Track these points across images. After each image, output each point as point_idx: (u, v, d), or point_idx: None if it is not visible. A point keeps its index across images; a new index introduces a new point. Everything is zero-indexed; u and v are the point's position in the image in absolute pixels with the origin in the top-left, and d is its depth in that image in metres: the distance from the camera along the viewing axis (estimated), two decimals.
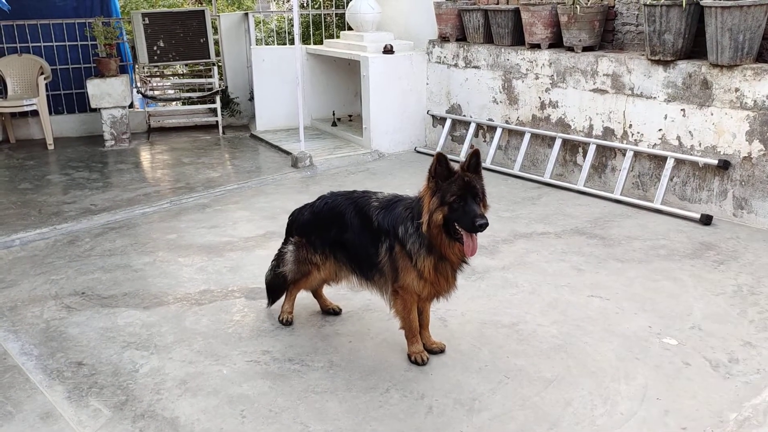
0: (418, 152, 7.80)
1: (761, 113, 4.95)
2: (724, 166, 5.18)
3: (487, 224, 2.94)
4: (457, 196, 2.96)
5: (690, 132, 5.42)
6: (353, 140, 8.07)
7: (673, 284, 4.20)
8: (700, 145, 5.37)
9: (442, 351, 3.46)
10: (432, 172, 3.02)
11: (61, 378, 3.33)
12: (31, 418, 3.02)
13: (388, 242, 3.26)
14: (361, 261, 3.43)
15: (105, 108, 8.24)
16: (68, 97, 9.13)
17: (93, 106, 8.27)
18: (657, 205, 5.50)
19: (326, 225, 3.54)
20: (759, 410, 2.92)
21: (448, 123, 7.60)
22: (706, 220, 5.18)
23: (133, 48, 9.25)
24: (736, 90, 5.06)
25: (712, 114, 5.25)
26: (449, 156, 7.61)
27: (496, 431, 2.85)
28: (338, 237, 3.48)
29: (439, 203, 2.99)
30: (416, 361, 3.36)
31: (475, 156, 3.05)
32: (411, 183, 6.57)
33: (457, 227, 2.99)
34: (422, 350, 3.39)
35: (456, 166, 3.04)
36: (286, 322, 3.79)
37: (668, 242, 4.87)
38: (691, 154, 5.42)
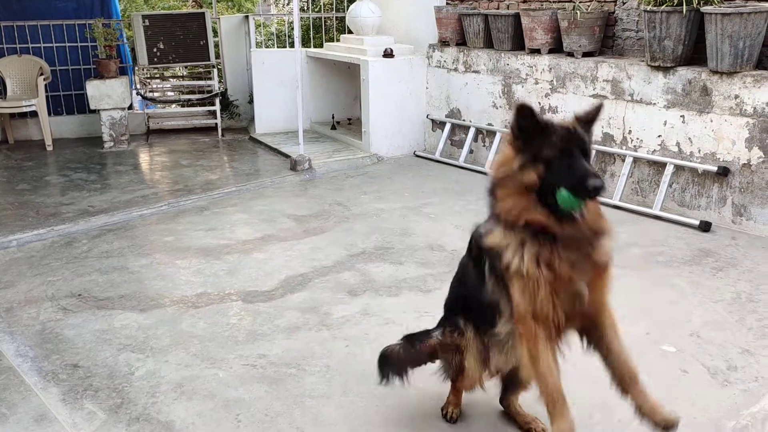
0: (417, 156, 7.79)
1: (761, 120, 4.94)
2: (724, 172, 5.18)
3: (603, 186, 2.04)
4: (558, 149, 2.07)
5: (689, 138, 5.41)
6: (352, 144, 8.06)
7: (671, 291, 4.19)
8: (699, 151, 5.36)
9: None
10: (517, 128, 2.12)
11: (57, 380, 3.32)
12: (25, 420, 3.00)
13: (489, 260, 2.30)
14: (472, 305, 2.52)
15: (104, 109, 8.22)
16: (67, 98, 9.11)
17: (92, 107, 8.25)
18: (656, 212, 5.49)
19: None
20: (757, 418, 2.90)
21: (447, 127, 7.60)
22: (705, 226, 5.17)
23: (132, 50, 9.24)
24: (736, 97, 5.06)
25: (711, 121, 5.24)
26: (448, 160, 7.48)
27: None
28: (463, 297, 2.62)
29: (529, 160, 2.09)
30: None
31: (597, 110, 2.25)
32: (409, 186, 6.57)
33: (558, 194, 2.06)
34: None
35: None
36: (450, 419, 2.90)
37: (667, 248, 4.86)
38: (691, 161, 5.42)
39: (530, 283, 2.13)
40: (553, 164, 2.06)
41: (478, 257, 2.38)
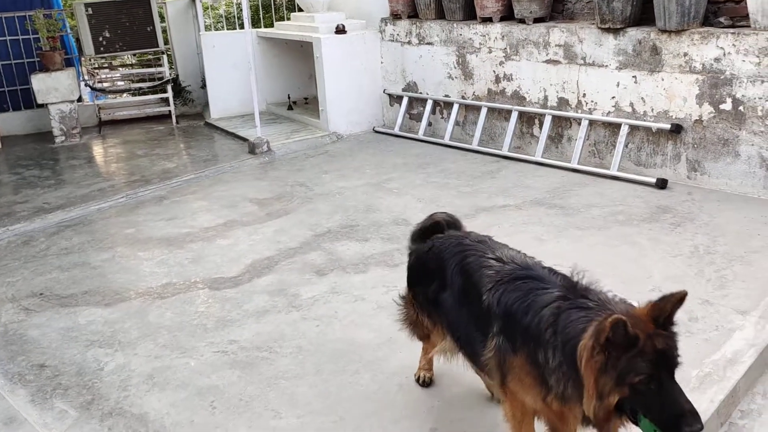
0: (377, 132, 7.77)
1: (710, 76, 5.04)
2: (677, 130, 5.28)
3: (701, 428, 1.90)
4: (645, 375, 1.93)
5: (642, 98, 5.49)
6: (310, 123, 8.00)
7: (632, 249, 4.28)
8: (652, 110, 5.45)
9: None
10: (601, 342, 1.94)
11: (24, 381, 3.26)
12: None
13: (503, 341, 2.29)
14: (460, 335, 2.59)
15: (52, 103, 7.99)
16: (13, 93, 8.81)
17: (39, 101, 8.02)
18: (613, 172, 5.58)
19: (429, 275, 2.71)
20: (719, 365, 3.00)
21: (405, 101, 7.58)
22: (661, 184, 5.27)
23: (77, 40, 8.97)
24: (685, 54, 5.14)
25: (662, 79, 5.33)
26: (408, 134, 7.42)
27: (462, 404, 2.88)
28: (437, 295, 2.66)
29: (614, 384, 1.95)
30: None
31: (678, 301, 2.01)
32: (371, 163, 6.55)
33: (642, 419, 1.98)
34: None
35: (635, 326, 1.93)
36: (423, 383, 3.05)
37: (626, 208, 4.95)
38: (645, 120, 5.51)
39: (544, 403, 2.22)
40: (640, 389, 1.93)
41: (486, 319, 2.36)
